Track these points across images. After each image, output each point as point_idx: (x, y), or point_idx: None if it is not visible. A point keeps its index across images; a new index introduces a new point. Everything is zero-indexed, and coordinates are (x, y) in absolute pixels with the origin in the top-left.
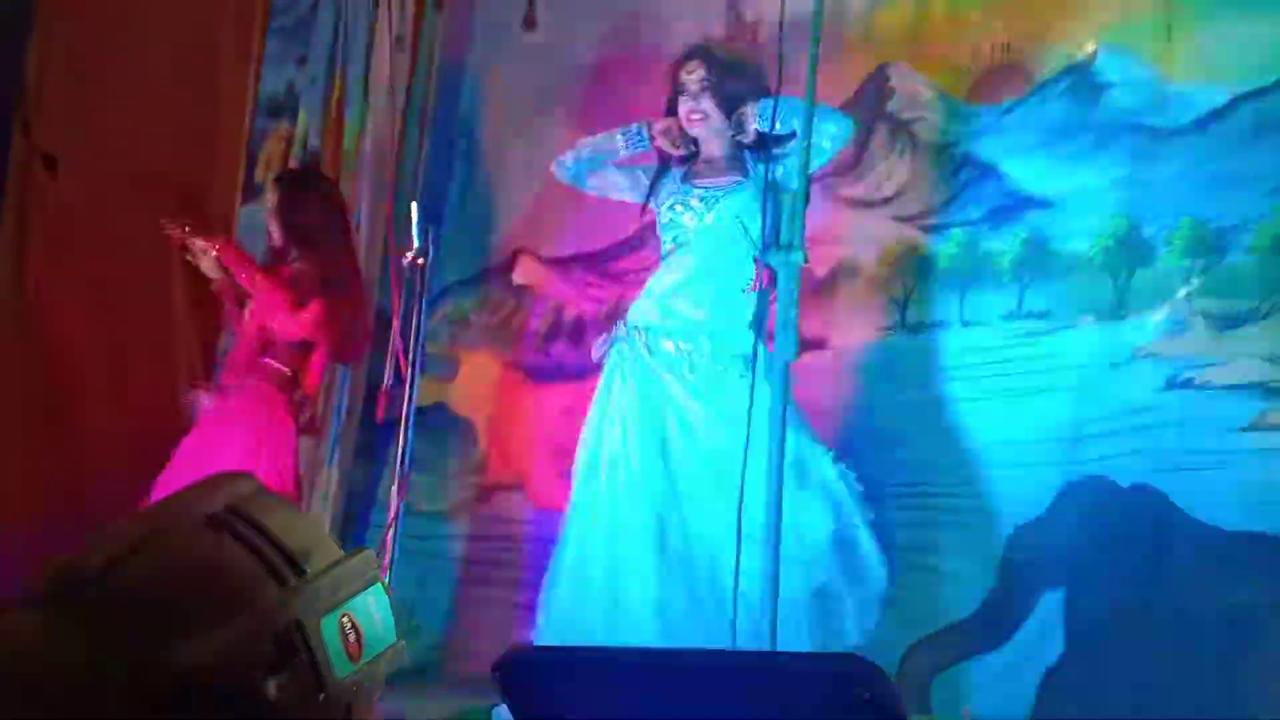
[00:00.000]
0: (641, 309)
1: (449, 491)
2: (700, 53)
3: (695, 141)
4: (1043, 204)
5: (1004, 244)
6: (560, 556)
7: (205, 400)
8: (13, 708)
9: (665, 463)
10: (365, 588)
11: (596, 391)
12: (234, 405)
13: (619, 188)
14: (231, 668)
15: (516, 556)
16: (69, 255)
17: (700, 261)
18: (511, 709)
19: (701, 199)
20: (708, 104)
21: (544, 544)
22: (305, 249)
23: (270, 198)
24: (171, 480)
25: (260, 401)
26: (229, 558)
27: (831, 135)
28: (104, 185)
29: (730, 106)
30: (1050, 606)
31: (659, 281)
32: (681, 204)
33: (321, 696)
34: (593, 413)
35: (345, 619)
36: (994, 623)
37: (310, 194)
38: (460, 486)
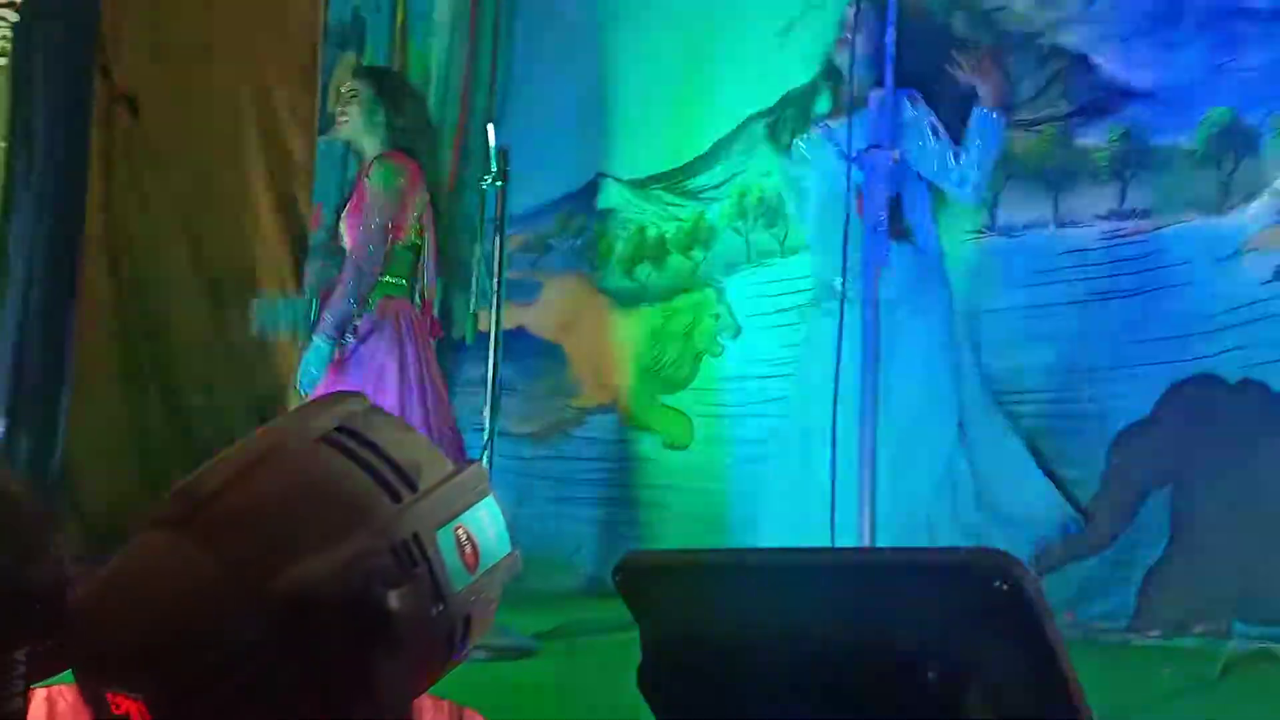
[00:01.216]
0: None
1: (537, 414)
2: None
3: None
4: (1140, 95)
5: (1100, 139)
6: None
7: (350, 341)
8: (142, 623)
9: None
10: (477, 500)
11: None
12: (374, 330)
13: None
14: (352, 581)
15: (612, 475)
16: (155, 192)
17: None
18: (632, 611)
19: (809, 140)
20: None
21: (640, 463)
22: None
23: (353, 104)
24: None
25: (398, 318)
26: (343, 475)
27: (970, 183)
28: (184, 123)
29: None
30: (1155, 506)
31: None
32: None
33: (441, 608)
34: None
35: (460, 531)
36: (1098, 525)
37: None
38: (549, 409)
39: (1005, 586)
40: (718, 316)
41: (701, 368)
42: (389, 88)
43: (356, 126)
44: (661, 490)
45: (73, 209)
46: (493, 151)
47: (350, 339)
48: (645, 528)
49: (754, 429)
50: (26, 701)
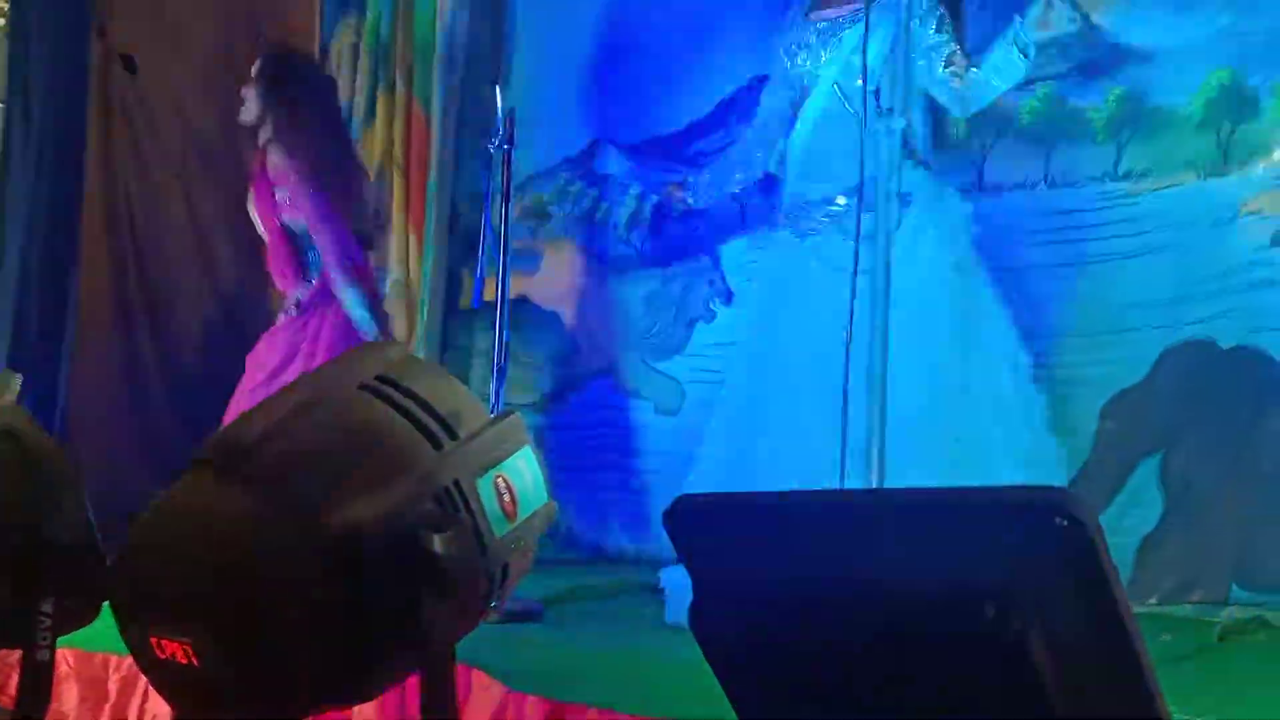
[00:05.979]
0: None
1: (539, 382)
2: None
3: None
4: (1139, 56)
5: (1096, 100)
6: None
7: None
8: (190, 565)
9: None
10: (516, 449)
11: None
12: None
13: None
14: (399, 525)
15: (608, 443)
16: (152, 150)
17: (813, 123)
18: (681, 556)
19: (819, 33)
20: None
21: (637, 430)
22: (290, 132)
23: (254, 85)
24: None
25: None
26: (384, 422)
27: (1004, 76)
28: (180, 82)
29: None
30: (1147, 473)
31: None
32: (798, 45)
33: (483, 554)
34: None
35: (499, 479)
36: (1088, 492)
37: (297, 77)
38: (550, 377)
39: (1066, 523)
40: (711, 282)
41: (694, 334)
42: (288, 70)
43: (252, 110)
44: (653, 456)
45: (72, 167)
46: (500, 114)
47: (294, 310)
48: (640, 494)
49: None
50: (53, 654)
